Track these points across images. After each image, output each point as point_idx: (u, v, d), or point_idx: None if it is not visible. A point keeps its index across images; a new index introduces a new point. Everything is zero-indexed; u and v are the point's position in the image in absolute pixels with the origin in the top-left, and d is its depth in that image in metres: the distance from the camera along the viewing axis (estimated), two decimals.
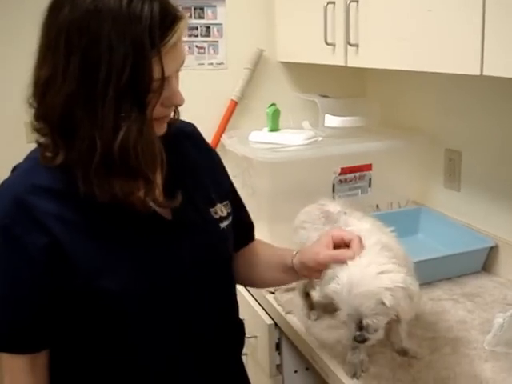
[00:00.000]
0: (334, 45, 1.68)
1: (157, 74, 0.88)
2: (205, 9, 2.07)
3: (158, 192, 1.03)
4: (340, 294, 1.09)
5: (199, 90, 2.06)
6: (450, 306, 1.49)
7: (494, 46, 1.12)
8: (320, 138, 1.93)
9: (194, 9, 2.06)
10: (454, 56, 1.23)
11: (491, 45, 1.13)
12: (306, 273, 1.20)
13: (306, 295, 1.47)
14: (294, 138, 1.89)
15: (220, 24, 2.10)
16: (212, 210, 1.13)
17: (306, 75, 2.22)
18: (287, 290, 1.61)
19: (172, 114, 1.06)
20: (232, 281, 1.21)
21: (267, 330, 1.60)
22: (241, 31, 2.12)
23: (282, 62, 2.19)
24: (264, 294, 1.64)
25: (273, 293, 1.62)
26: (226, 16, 2.10)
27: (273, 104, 1.97)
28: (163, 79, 0.90)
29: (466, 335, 1.34)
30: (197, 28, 2.08)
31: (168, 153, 1.04)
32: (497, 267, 1.66)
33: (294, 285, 1.56)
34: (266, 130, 1.98)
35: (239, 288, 1.80)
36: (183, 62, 0.96)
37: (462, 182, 1.83)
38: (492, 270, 1.67)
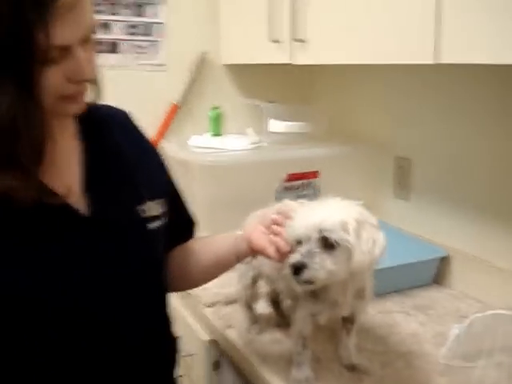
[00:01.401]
0: (279, 41, 1.59)
1: (49, 40, 0.74)
2: (145, 6, 1.95)
3: (65, 186, 0.89)
4: (299, 213, 1.00)
5: (138, 91, 1.94)
6: (402, 318, 1.39)
7: (451, 31, 1.05)
8: (265, 144, 1.83)
9: (134, 6, 1.94)
10: (409, 44, 1.15)
11: (447, 30, 1.05)
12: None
13: (249, 307, 1.35)
14: (236, 142, 1.78)
15: (161, 23, 1.99)
16: (140, 207, 0.99)
17: (251, 80, 2.13)
18: (226, 304, 1.48)
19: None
20: (162, 290, 1.07)
21: (204, 348, 1.46)
22: (183, 32, 2.01)
23: (226, 66, 2.09)
24: (201, 308, 1.50)
25: (211, 306, 1.49)
26: (168, 15, 1.99)
27: (216, 107, 1.86)
28: (60, 48, 0.76)
29: (420, 348, 1.24)
30: (136, 26, 1.96)
31: (90, 141, 0.91)
32: (448, 279, 1.58)
33: (234, 297, 1.44)
34: (207, 135, 1.86)
35: (174, 302, 1.67)
36: (92, 31, 0.83)
37: (412, 191, 1.76)
38: (443, 282, 1.59)
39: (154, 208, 1.01)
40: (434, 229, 1.66)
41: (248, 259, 1.14)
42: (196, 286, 1.24)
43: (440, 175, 1.65)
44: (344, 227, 0.94)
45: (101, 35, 1.90)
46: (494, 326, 1.12)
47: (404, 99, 1.75)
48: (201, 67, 2.05)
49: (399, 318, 1.39)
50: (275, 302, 1.39)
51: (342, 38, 1.35)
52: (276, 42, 1.58)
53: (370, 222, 0.98)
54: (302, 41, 1.47)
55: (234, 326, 1.37)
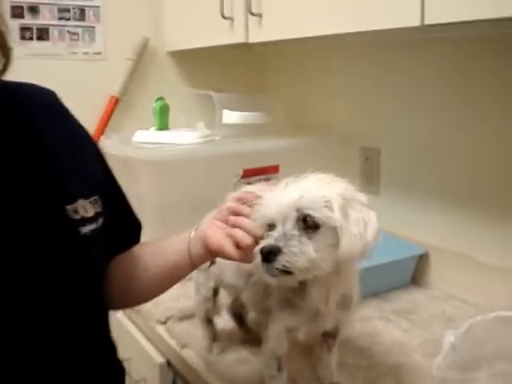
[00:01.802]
0: (232, 19, 1.40)
1: None
2: None
3: None
4: (271, 192, 0.81)
5: (72, 83, 1.70)
6: (382, 326, 1.22)
7: None
8: (218, 138, 1.64)
9: None
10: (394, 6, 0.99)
11: None
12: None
13: (208, 322, 1.15)
14: (185, 136, 1.58)
15: (97, 6, 1.77)
16: (70, 207, 0.79)
17: (199, 68, 1.93)
18: (182, 319, 1.28)
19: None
20: (101, 307, 0.87)
21: (158, 371, 1.25)
22: (122, 16, 1.80)
23: (171, 53, 1.89)
24: (153, 325, 1.29)
25: (164, 323, 1.28)
26: None
27: (160, 98, 1.66)
28: None
29: (408, 360, 1.07)
30: (68, 10, 1.74)
31: (5, 126, 0.76)
32: (428, 278, 1.43)
33: (191, 311, 1.25)
34: (153, 129, 1.66)
35: (121, 319, 1.46)
36: None
37: (382, 185, 1.60)
38: (422, 283, 1.44)
39: (87, 208, 0.81)
40: (409, 225, 1.51)
41: (205, 265, 0.94)
42: (144, 300, 1.03)
43: (412, 165, 1.50)
44: (328, 205, 0.76)
45: (27, 20, 1.67)
46: (495, 330, 0.96)
47: (368, 84, 1.59)
48: (143, 55, 1.84)
49: (380, 325, 1.22)
50: (238, 314, 1.21)
51: (304, 7, 1.18)
52: (229, 19, 1.40)
53: (359, 200, 0.79)
54: (258, 15, 1.29)
55: (191, 345, 1.17)
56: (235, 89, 1.85)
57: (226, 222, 0.84)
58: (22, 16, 1.66)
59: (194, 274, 1.12)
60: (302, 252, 0.75)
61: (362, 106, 1.61)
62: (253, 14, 1.30)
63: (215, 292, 1.12)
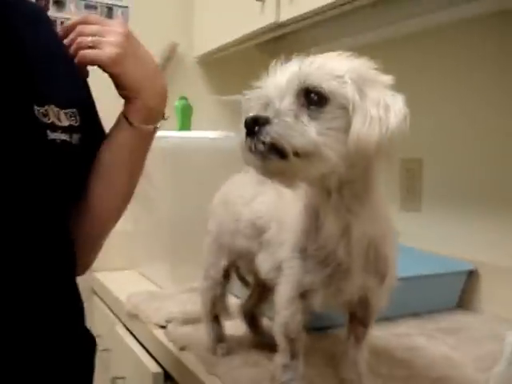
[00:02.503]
0: (263, 1, 1.30)
1: None
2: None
3: None
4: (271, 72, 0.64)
5: (100, 82, 1.60)
6: (424, 341, 1.00)
7: None
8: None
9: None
10: None
11: None
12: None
13: (215, 321, 0.97)
14: (209, 134, 1.44)
15: (126, 7, 1.70)
16: (39, 108, 0.70)
17: (226, 75, 1.82)
18: (184, 323, 1.09)
19: None
20: (63, 233, 0.77)
21: (154, 380, 1.05)
22: (151, 18, 1.72)
23: (198, 59, 1.79)
24: (151, 329, 1.10)
25: (164, 327, 1.10)
26: None
27: (183, 97, 1.54)
28: None
29: (458, 374, 0.85)
30: (96, 7, 1.66)
31: None
32: (477, 300, 1.21)
33: (195, 316, 1.07)
34: (174, 130, 1.53)
35: (115, 328, 1.28)
36: None
37: (424, 199, 1.41)
38: (471, 305, 1.22)
39: (61, 117, 0.73)
40: (455, 243, 1.30)
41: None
42: (107, 214, 0.87)
43: (456, 176, 1.32)
44: (339, 78, 0.58)
45: (52, 13, 1.60)
46: None
47: (411, 82, 1.44)
48: (171, 59, 1.74)
49: (421, 340, 1.01)
50: (251, 315, 1.02)
51: None
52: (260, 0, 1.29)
53: (380, 81, 0.61)
54: None
55: (191, 347, 0.98)
56: None
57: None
58: (46, 8, 1.59)
59: (204, 259, 0.96)
60: (299, 131, 0.56)
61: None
62: None
63: (227, 275, 0.94)
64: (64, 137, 0.73)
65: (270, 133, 0.56)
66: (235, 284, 1.02)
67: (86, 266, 0.89)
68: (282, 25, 1.27)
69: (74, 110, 0.76)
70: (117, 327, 1.30)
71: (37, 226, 0.70)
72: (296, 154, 0.57)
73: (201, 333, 0.99)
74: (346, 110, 0.58)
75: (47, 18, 0.85)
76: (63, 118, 0.73)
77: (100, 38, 0.76)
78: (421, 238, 1.38)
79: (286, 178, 0.61)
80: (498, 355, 0.73)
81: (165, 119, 0.87)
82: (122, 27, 0.79)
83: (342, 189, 0.63)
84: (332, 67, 0.59)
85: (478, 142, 1.26)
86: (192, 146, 1.36)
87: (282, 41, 1.55)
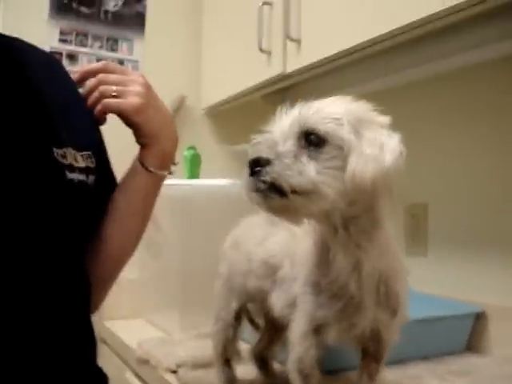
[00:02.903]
0: (269, 52, 1.36)
1: None
2: (119, 41, 1.74)
3: None
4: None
5: (111, 132, 1.65)
6: (437, 383, 1.01)
7: None
8: None
9: (107, 40, 1.72)
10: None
11: None
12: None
13: (226, 364, 0.97)
14: (217, 181, 1.48)
15: (136, 61, 1.77)
16: (58, 150, 0.74)
17: (233, 126, 1.87)
18: (195, 367, 1.09)
19: None
20: (81, 269, 0.80)
21: None
22: (160, 72, 1.78)
23: (206, 111, 1.84)
24: (162, 373, 1.11)
25: (174, 371, 1.10)
26: (144, 53, 1.78)
27: (191, 147, 1.58)
28: None
29: None
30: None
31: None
32: (486, 342, 1.21)
33: (206, 361, 1.07)
34: (183, 178, 1.56)
35: (120, 366, 1.28)
36: None
37: (429, 244, 1.43)
38: (480, 348, 1.22)
39: (78, 158, 0.76)
40: (462, 286, 1.31)
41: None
42: (119, 254, 0.90)
43: (461, 220, 1.34)
44: (337, 120, 0.63)
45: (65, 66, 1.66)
46: None
47: (414, 125, 1.48)
48: (179, 112, 1.80)
49: (433, 383, 1.01)
50: (262, 358, 1.02)
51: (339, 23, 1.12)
52: (266, 52, 1.35)
53: (376, 122, 0.65)
54: (296, 40, 1.24)
55: None
56: None
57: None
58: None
59: (215, 302, 0.97)
60: (300, 172, 0.60)
61: (408, 154, 1.49)
62: (291, 40, 1.25)
63: (238, 317, 0.95)
64: (81, 177, 0.76)
65: (269, 173, 0.61)
66: (245, 329, 1.03)
67: (97, 304, 0.91)
68: (289, 76, 1.32)
69: (90, 152, 0.79)
70: (127, 374, 1.30)
71: (56, 264, 0.72)
72: (294, 191, 0.61)
73: (212, 376, 1.00)
74: (343, 150, 0.62)
75: (61, 64, 0.90)
76: (80, 159, 0.77)
77: (124, 88, 0.80)
78: (427, 282, 1.40)
79: (289, 214, 0.65)
80: None
81: (175, 165, 0.91)
82: (141, 77, 0.84)
83: (347, 225, 0.67)
84: (330, 111, 0.64)
85: (480, 187, 1.29)
86: (201, 194, 1.40)
87: (287, 91, 1.61)
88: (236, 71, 1.61)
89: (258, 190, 0.62)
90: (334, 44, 1.16)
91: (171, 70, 1.81)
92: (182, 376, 1.06)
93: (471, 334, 1.23)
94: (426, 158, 1.44)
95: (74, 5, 1.66)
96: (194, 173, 1.57)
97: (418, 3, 0.98)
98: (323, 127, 0.63)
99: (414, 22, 0.97)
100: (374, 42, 1.08)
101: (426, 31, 1.03)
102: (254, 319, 1.06)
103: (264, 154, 0.62)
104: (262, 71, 1.41)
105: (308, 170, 0.61)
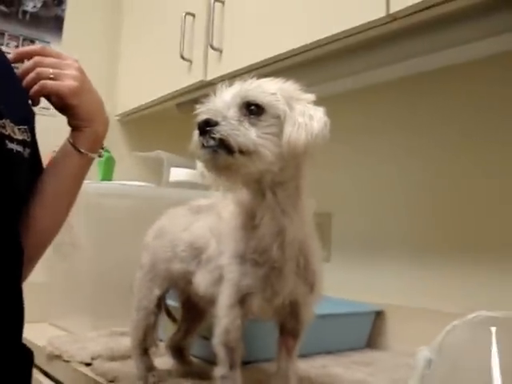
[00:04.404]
0: (190, 61, 1.42)
1: None
2: (36, 43, 1.72)
3: None
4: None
5: None
6: (342, 370, 1.08)
7: None
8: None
9: (23, 40, 1.70)
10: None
11: None
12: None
13: (144, 353, 0.99)
14: (130, 183, 1.51)
15: None
16: None
17: (146, 132, 1.91)
18: (111, 359, 1.09)
19: None
20: (15, 240, 0.80)
21: None
22: None
23: (120, 120, 1.87)
24: (75, 367, 1.10)
25: (89, 364, 1.09)
26: None
27: (106, 150, 1.59)
28: None
29: None
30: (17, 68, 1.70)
31: None
32: (385, 340, 1.31)
33: (121, 353, 1.09)
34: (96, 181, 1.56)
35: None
36: None
37: (333, 250, 1.53)
38: (380, 345, 1.31)
39: (15, 131, 0.78)
40: (362, 289, 1.42)
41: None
42: (46, 233, 0.91)
43: (363, 227, 1.45)
44: (273, 94, 0.73)
45: None
46: (479, 335, 0.86)
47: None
48: None
49: (338, 370, 1.08)
50: (178, 348, 1.05)
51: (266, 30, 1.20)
52: (188, 60, 1.41)
53: (304, 98, 0.76)
54: (218, 50, 1.31)
55: (123, 379, 0.99)
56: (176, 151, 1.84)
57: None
58: None
59: (136, 293, 0.99)
60: (243, 132, 0.69)
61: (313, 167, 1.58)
62: (213, 48, 1.31)
63: (159, 304, 0.97)
64: (19, 148, 0.77)
65: (220, 131, 0.69)
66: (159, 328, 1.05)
67: (24, 278, 0.90)
68: (209, 83, 1.38)
69: (26, 127, 0.81)
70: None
71: None
72: (240, 151, 0.69)
73: (129, 366, 1.01)
74: (278, 119, 0.72)
75: None
76: (17, 132, 0.78)
77: (60, 71, 0.83)
78: (331, 286, 1.48)
79: (230, 173, 0.72)
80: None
81: (103, 149, 0.94)
82: (76, 62, 0.86)
83: (275, 190, 0.74)
84: (267, 87, 0.74)
85: (381, 196, 1.41)
86: (113, 194, 1.40)
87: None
88: (154, 78, 1.65)
89: (207, 147, 0.69)
90: (256, 53, 1.23)
91: (87, 75, 1.81)
92: (97, 367, 1.06)
93: (371, 333, 1.32)
94: (332, 170, 1.54)
95: None
96: (107, 175, 1.57)
97: (343, 15, 1.06)
98: (263, 99, 0.71)
99: (338, 33, 1.06)
100: (292, 54, 1.17)
101: (347, 44, 1.11)
102: (171, 312, 1.08)
103: (212, 116, 0.69)
104: (181, 79, 1.46)
105: (250, 133, 0.69)
